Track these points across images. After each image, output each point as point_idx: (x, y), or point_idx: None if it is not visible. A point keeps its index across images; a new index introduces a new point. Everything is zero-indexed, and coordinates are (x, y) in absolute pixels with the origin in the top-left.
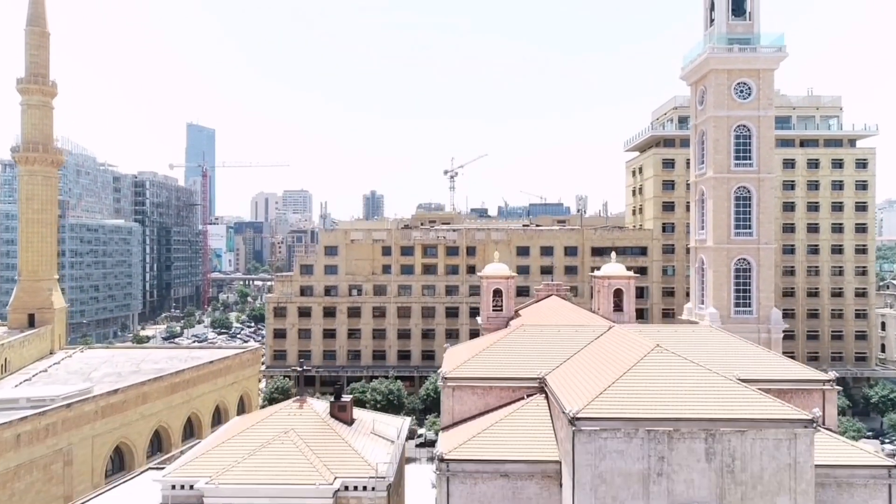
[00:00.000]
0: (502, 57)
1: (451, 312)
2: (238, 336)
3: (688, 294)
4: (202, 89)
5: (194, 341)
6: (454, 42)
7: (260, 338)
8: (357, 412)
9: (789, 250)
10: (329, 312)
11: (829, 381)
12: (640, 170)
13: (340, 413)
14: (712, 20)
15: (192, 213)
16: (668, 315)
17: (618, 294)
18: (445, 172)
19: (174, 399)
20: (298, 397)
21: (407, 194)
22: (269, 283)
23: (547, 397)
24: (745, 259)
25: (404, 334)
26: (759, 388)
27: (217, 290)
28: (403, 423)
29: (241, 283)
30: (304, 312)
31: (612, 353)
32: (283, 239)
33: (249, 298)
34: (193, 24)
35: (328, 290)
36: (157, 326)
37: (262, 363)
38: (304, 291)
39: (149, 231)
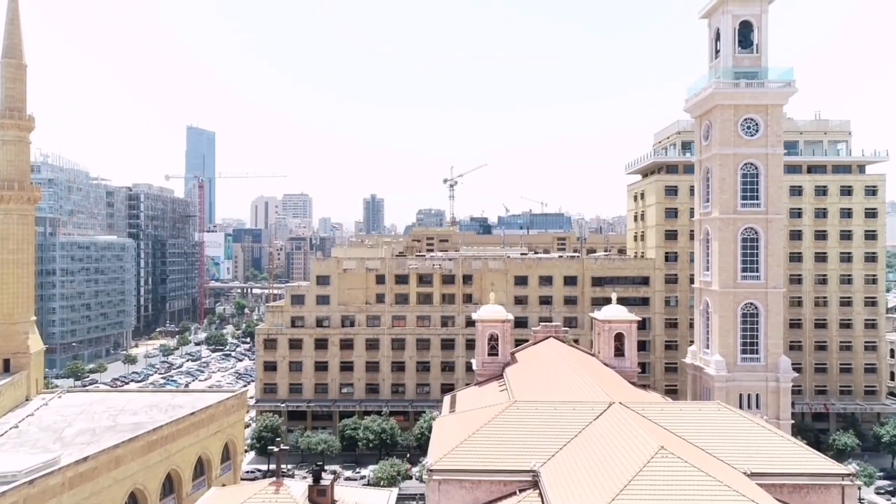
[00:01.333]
0: (503, 58)
1: (447, 344)
2: (232, 355)
3: (691, 325)
4: (202, 92)
5: (188, 360)
6: (454, 43)
7: (255, 356)
8: (339, 491)
9: (796, 280)
10: (321, 344)
11: (848, 475)
12: (642, 195)
13: (320, 498)
14: (717, 51)
15: (188, 225)
16: (671, 347)
17: (619, 338)
18: (445, 181)
19: (151, 458)
20: (275, 480)
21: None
22: (266, 291)
23: (541, 495)
24: (752, 304)
25: (398, 367)
26: (774, 483)
27: (214, 301)
28: (390, 496)
29: (239, 291)
30: (295, 344)
31: (612, 448)
32: (281, 246)
33: (247, 310)
34: (193, 26)
35: (320, 321)
36: (152, 342)
37: (251, 398)
38: (296, 322)
39: (143, 245)
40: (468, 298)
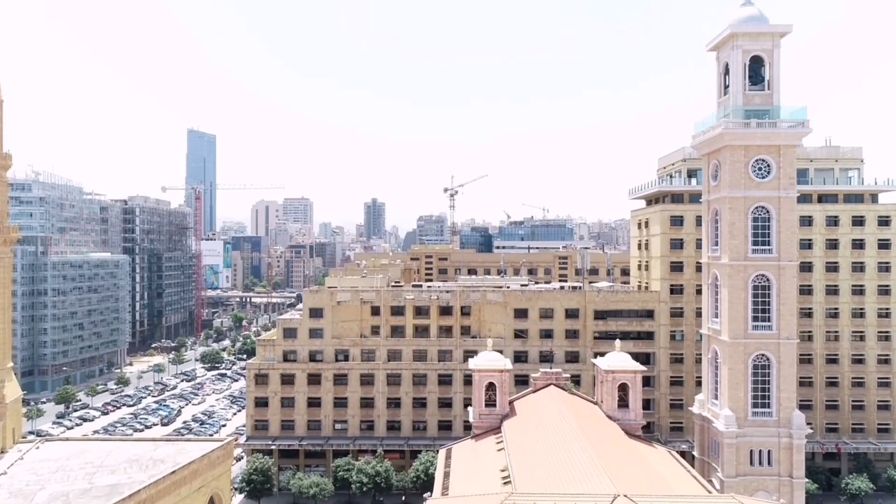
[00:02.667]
0: (506, 53)
1: (444, 380)
2: (227, 374)
3: (698, 360)
4: (203, 96)
5: (182, 379)
6: (456, 42)
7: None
8: None
9: (806, 314)
10: (314, 380)
11: None
12: (647, 224)
13: None
14: (726, 86)
15: (184, 237)
16: (677, 383)
17: (623, 387)
18: (445, 190)
19: None
20: None
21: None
22: (265, 300)
23: None
24: (763, 355)
25: (394, 403)
26: None
27: (212, 312)
28: None
29: (238, 300)
30: (287, 380)
31: None
32: (281, 253)
33: (245, 322)
34: (195, 30)
35: (313, 356)
36: (147, 359)
37: (242, 434)
38: (288, 356)
39: (139, 259)
40: (466, 331)
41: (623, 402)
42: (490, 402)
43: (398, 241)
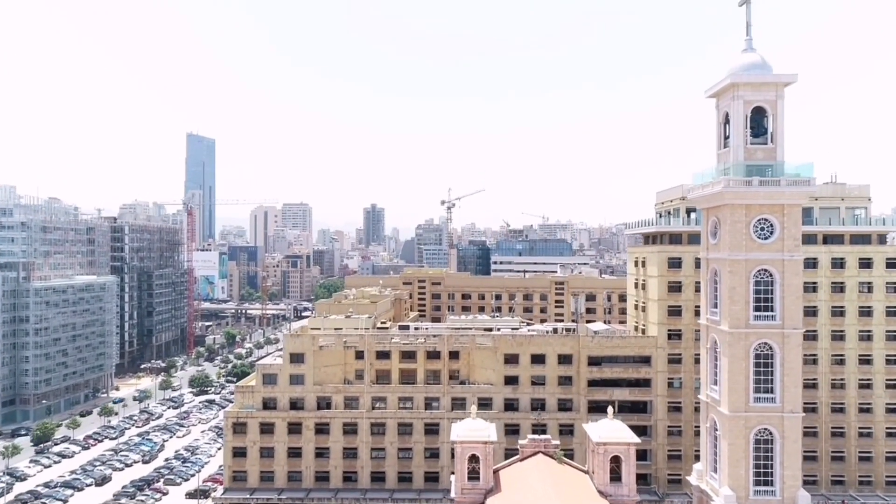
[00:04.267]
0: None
1: (431, 429)
2: (216, 401)
3: (696, 409)
4: (202, 100)
5: (169, 406)
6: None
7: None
8: None
9: (811, 361)
10: (294, 429)
11: None
12: (644, 263)
13: None
14: (727, 137)
15: (176, 252)
16: (674, 433)
17: (616, 459)
18: (443, 203)
19: None
20: None
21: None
22: (259, 312)
23: None
24: (767, 429)
25: (378, 454)
26: None
27: (206, 327)
28: None
29: (233, 313)
30: (267, 429)
31: None
32: (278, 262)
33: (238, 338)
34: (194, 32)
35: (294, 403)
36: (136, 381)
37: (222, 474)
38: (267, 404)
39: (128, 278)
40: (455, 374)
41: (616, 475)
42: (473, 475)
43: (398, 245)
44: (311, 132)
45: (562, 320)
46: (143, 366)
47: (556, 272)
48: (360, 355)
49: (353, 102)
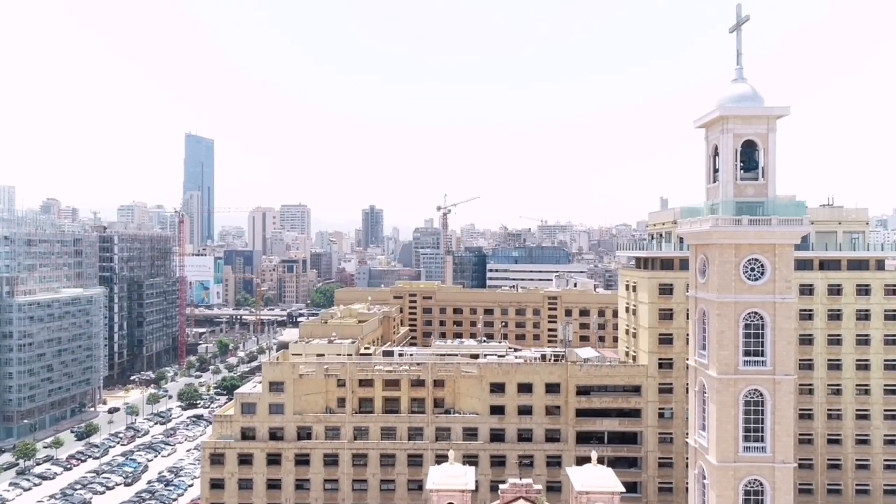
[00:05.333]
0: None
1: (415, 461)
2: (204, 416)
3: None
4: (201, 100)
5: (156, 422)
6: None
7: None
8: None
9: (807, 391)
10: (274, 460)
11: None
12: (635, 287)
13: None
14: (716, 170)
15: (168, 260)
16: (666, 464)
17: None
18: (438, 209)
19: None
20: None
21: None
22: (254, 317)
23: None
24: (756, 480)
25: (360, 485)
26: None
27: (199, 334)
28: None
29: (227, 319)
30: (245, 460)
31: None
32: (274, 267)
33: (231, 347)
34: (193, 33)
35: (273, 434)
36: (124, 394)
37: None
38: (246, 434)
39: (118, 289)
40: (440, 403)
41: None
42: None
43: (397, 246)
44: (311, 130)
45: (555, 338)
46: (132, 377)
47: (551, 280)
48: (342, 383)
49: (352, 102)
